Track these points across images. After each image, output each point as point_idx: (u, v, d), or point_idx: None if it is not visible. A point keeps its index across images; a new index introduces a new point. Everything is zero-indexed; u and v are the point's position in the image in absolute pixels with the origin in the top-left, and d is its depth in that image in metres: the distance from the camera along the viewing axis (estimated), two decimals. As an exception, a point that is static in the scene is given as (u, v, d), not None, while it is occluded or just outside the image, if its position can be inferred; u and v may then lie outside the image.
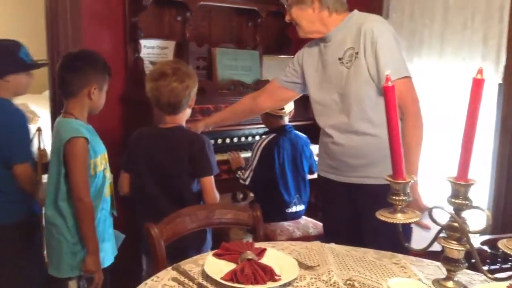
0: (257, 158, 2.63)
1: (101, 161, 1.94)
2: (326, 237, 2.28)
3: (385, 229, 1.91)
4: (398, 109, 1.86)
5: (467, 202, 0.91)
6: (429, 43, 2.85)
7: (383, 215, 0.99)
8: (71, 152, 1.84)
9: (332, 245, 1.64)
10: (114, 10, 2.86)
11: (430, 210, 0.94)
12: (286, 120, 2.76)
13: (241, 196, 3.13)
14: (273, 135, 2.68)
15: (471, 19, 2.63)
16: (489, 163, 2.65)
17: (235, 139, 3.04)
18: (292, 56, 3.43)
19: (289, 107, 2.68)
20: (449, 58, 2.76)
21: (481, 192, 2.59)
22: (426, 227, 1.90)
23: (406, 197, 0.99)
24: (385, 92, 0.97)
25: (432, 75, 2.83)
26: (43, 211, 1.98)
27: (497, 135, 2.63)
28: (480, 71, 0.87)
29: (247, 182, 2.65)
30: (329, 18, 1.96)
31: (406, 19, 2.94)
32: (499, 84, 2.61)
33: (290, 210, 2.74)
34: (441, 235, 0.97)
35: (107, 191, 1.99)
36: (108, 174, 2.00)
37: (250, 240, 2.77)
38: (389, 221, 0.99)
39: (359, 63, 1.88)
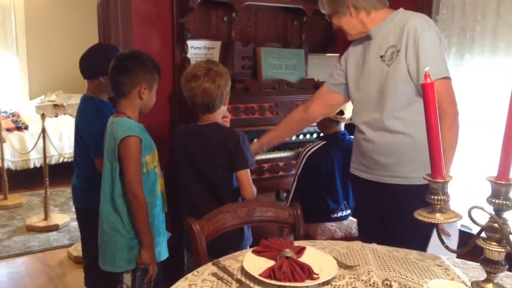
0: (301, 167, 2.58)
1: (152, 158, 2.01)
2: (359, 235, 2.26)
3: (414, 229, 1.91)
4: (435, 110, 1.86)
5: (508, 202, 0.88)
6: (481, 40, 2.74)
7: (421, 215, 0.98)
8: (125, 150, 1.91)
9: (374, 245, 1.62)
10: (162, 12, 2.95)
11: (469, 210, 0.92)
12: (342, 126, 2.66)
13: (284, 195, 3.14)
14: (322, 143, 2.60)
15: (527, 13, 2.51)
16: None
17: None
18: (338, 55, 3.45)
19: (349, 113, 2.52)
20: (502, 55, 2.65)
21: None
22: (446, 234, 1.86)
23: (445, 197, 0.96)
24: (424, 89, 0.96)
25: (484, 73, 2.72)
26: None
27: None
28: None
29: (289, 200, 2.61)
30: (368, 18, 1.96)
31: (456, 15, 2.84)
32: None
33: (335, 215, 2.70)
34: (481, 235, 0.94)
35: (159, 188, 2.06)
36: (159, 171, 2.07)
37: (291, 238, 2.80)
38: (427, 221, 0.97)
39: (399, 60, 1.86)
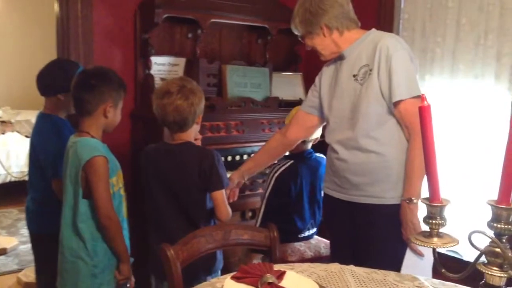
0: (270, 187, 2.53)
1: (117, 180, 1.92)
2: (331, 255, 2.25)
3: (386, 249, 1.93)
4: (406, 130, 1.89)
5: (509, 226, 0.87)
6: (441, 61, 2.83)
7: (418, 239, 0.96)
8: (93, 171, 1.81)
9: (352, 267, 1.61)
10: (125, 27, 2.87)
11: (469, 235, 0.91)
12: (309, 145, 2.63)
13: (250, 214, 3.09)
14: (290, 162, 2.56)
15: (484, 36, 2.61)
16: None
17: (245, 156, 3.00)
18: (301, 74, 3.48)
19: (317, 133, 2.51)
20: (461, 76, 2.75)
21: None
22: (420, 254, 1.88)
23: (443, 221, 0.95)
24: (421, 112, 0.94)
25: (444, 94, 2.81)
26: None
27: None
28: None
29: (259, 220, 2.55)
30: (341, 38, 1.97)
31: (417, 37, 2.93)
32: (513, 102, 2.58)
33: (303, 235, 2.68)
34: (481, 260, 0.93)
35: (124, 210, 1.96)
36: (124, 193, 1.97)
37: (260, 260, 2.74)
38: (425, 246, 0.95)
39: (372, 79, 1.87)
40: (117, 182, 1.93)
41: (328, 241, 2.71)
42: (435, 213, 0.95)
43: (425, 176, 0.97)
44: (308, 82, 3.38)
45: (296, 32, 2.05)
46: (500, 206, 0.87)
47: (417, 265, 1.90)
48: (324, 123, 2.18)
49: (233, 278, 1.40)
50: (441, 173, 0.99)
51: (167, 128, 2.02)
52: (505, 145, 2.70)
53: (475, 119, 2.74)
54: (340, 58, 2.01)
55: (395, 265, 1.85)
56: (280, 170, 2.54)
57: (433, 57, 2.86)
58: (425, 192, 1.77)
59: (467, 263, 2.66)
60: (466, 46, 2.70)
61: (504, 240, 0.89)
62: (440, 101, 2.79)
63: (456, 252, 2.66)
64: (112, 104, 1.91)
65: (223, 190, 1.95)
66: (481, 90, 2.66)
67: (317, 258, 2.59)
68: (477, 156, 2.74)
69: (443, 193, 0.97)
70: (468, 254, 2.62)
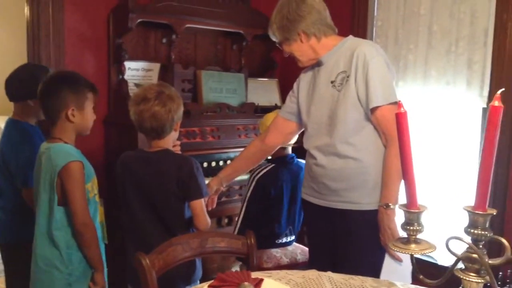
0: (251, 189, 2.52)
1: (92, 186, 1.87)
2: (310, 261, 2.25)
3: (365, 255, 1.93)
4: (383, 136, 1.91)
5: (486, 232, 0.88)
6: (413, 68, 2.87)
7: (396, 246, 0.96)
8: (69, 177, 1.77)
9: (329, 273, 1.60)
10: (98, 31, 2.82)
11: (447, 241, 0.91)
12: (289, 150, 2.64)
13: (226, 221, 3.06)
14: (271, 166, 2.56)
15: (455, 44, 2.67)
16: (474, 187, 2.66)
17: (221, 163, 2.98)
18: (277, 79, 3.48)
19: (295, 138, 2.51)
20: (433, 83, 2.80)
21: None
22: (398, 259, 1.90)
23: (420, 227, 0.95)
24: (398, 119, 0.95)
25: (417, 100, 2.85)
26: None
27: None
28: (497, 98, 0.85)
29: (237, 229, 2.53)
30: (319, 44, 1.97)
31: (390, 44, 2.97)
32: (483, 108, 2.64)
33: (279, 241, 2.66)
34: (458, 266, 0.94)
35: (100, 217, 1.92)
36: (99, 199, 1.93)
37: (238, 268, 2.72)
38: (403, 252, 0.95)
39: (349, 86, 1.88)
40: (92, 189, 1.88)
41: (304, 248, 2.71)
42: (412, 219, 0.95)
43: (402, 182, 0.97)
44: (284, 88, 3.40)
45: (273, 39, 2.04)
46: (476, 212, 0.88)
47: (396, 270, 1.91)
48: (303, 129, 2.18)
49: (210, 287, 1.38)
50: (416, 179, 0.99)
51: (144, 135, 1.97)
52: (477, 151, 2.75)
53: (447, 125, 2.79)
54: (317, 64, 2.01)
55: (374, 271, 1.86)
56: (261, 173, 2.54)
57: (406, 64, 2.91)
58: (402, 198, 1.80)
59: (442, 267, 2.73)
60: (438, 53, 2.75)
61: (481, 246, 0.90)
62: (413, 107, 2.83)
63: (431, 257, 2.69)
64: (74, 108, 1.84)
65: (202, 199, 1.92)
66: (453, 96, 2.71)
67: (293, 265, 2.58)
68: (449, 162, 2.79)
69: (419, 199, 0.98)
70: (443, 259, 2.65)
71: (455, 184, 2.75)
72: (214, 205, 2.30)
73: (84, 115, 1.89)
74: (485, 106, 2.62)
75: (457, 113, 2.76)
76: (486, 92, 2.60)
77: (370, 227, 1.90)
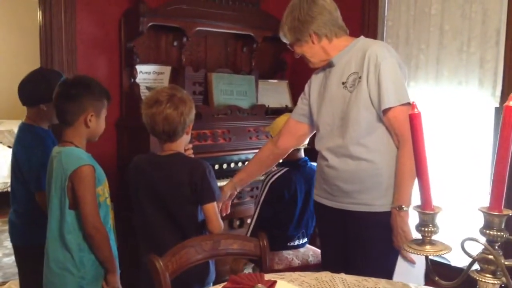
0: (264, 193, 2.51)
1: (104, 189, 1.89)
2: (322, 263, 2.24)
3: (377, 257, 1.92)
4: (395, 137, 1.89)
5: (502, 233, 0.87)
6: (425, 68, 2.86)
7: (411, 247, 0.95)
8: (80, 181, 1.78)
9: (342, 275, 1.59)
10: (109, 35, 2.84)
11: (462, 242, 0.90)
12: (302, 153, 2.62)
13: (237, 223, 3.07)
14: (284, 169, 2.54)
15: (467, 43, 2.65)
16: (487, 188, 2.65)
17: (232, 165, 2.99)
18: (287, 81, 3.48)
19: (306, 141, 2.49)
20: (445, 82, 2.78)
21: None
22: (411, 261, 1.88)
23: (435, 228, 0.95)
24: (412, 120, 0.94)
25: (429, 100, 2.83)
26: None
27: (494, 159, 2.62)
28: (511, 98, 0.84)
29: (250, 231, 2.52)
30: (330, 45, 1.96)
31: (401, 44, 2.96)
32: (496, 108, 2.62)
33: (292, 243, 2.66)
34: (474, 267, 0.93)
35: (112, 220, 1.93)
36: (110, 203, 1.94)
37: (251, 270, 2.72)
38: (417, 253, 0.94)
39: (361, 87, 1.87)
40: (104, 192, 1.90)
41: (316, 249, 2.70)
42: (427, 221, 0.95)
43: (416, 183, 0.96)
44: (294, 90, 3.39)
45: (284, 40, 2.04)
46: (492, 213, 0.87)
47: (409, 272, 1.89)
48: (315, 131, 2.17)
49: (223, 289, 1.39)
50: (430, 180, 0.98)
51: (156, 138, 1.98)
52: (490, 151, 2.72)
53: (460, 125, 2.77)
54: (329, 65, 2.00)
55: (386, 272, 1.84)
56: (274, 177, 2.53)
57: (417, 64, 2.89)
58: (415, 199, 1.79)
59: (455, 268, 2.70)
60: (449, 53, 2.73)
61: (496, 247, 0.89)
62: (425, 108, 2.82)
63: (445, 258, 2.67)
64: (93, 113, 1.88)
65: (215, 203, 1.91)
66: (465, 96, 2.69)
67: (305, 267, 2.57)
68: (462, 162, 2.77)
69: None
70: (456, 260, 2.63)
71: (468, 184, 2.73)
72: (228, 211, 2.30)
73: (99, 121, 1.94)
74: (497, 105, 2.60)
75: (470, 113, 2.74)
76: (498, 92, 2.57)
77: (383, 229, 1.89)
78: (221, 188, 2.21)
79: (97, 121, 1.91)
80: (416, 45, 2.89)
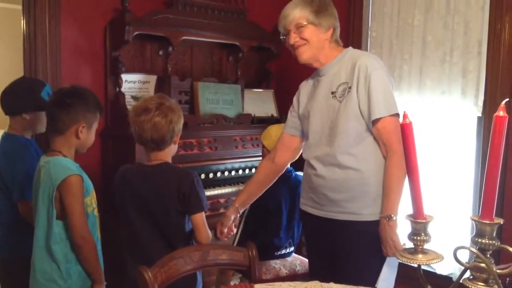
0: (248, 208, 2.47)
1: (91, 200, 1.87)
2: (310, 272, 2.24)
3: (365, 265, 1.93)
4: (383, 147, 1.91)
5: (493, 241, 0.89)
6: (408, 78, 2.90)
7: (403, 256, 0.96)
8: (68, 191, 1.77)
9: (331, 284, 1.60)
10: (94, 44, 2.82)
11: (454, 251, 0.91)
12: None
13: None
14: None
15: (450, 54, 2.70)
16: (470, 196, 2.68)
17: (219, 174, 2.98)
18: (272, 90, 3.49)
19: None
20: (428, 92, 2.82)
21: (464, 224, 2.62)
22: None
23: (427, 237, 0.96)
24: (403, 130, 0.96)
25: (413, 109, 2.87)
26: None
27: (478, 168, 2.67)
28: (502, 108, 0.86)
29: (235, 242, 2.50)
30: (329, 51, 1.99)
31: (385, 54, 2.99)
32: (478, 117, 2.67)
33: (279, 252, 2.65)
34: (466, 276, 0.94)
35: (98, 231, 1.91)
36: (97, 213, 1.92)
37: (238, 280, 2.70)
38: (410, 262, 0.95)
39: (351, 97, 1.89)
40: (91, 203, 1.88)
41: (304, 259, 2.70)
42: (419, 230, 0.96)
43: (408, 193, 0.97)
44: (279, 99, 3.41)
45: (293, 14, 1.94)
46: (483, 221, 0.88)
47: (387, 277, 1.92)
48: None
49: (213, 300, 1.38)
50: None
51: (143, 147, 1.96)
52: (473, 160, 2.75)
53: (443, 134, 2.81)
54: (318, 74, 2.02)
55: (373, 281, 1.85)
56: None
57: (400, 74, 2.93)
58: (403, 209, 1.81)
59: (441, 277, 2.72)
60: (432, 63, 2.78)
61: (488, 255, 0.90)
62: (409, 117, 2.84)
63: (430, 266, 2.69)
64: (85, 125, 1.87)
65: (203, 213, 1.90)
66: (448, 105, 2.74)
67: (293, 276, 2.57)
68: (445, 170, 2.81)
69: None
70: (441, 268, 2.66)
71: (451, 192, 2.77)
72: (232, 233, 2.28)
73: (90, 134, 1.93)
74: (480, 115, 2.65)
75: (453, 122, 2.79)
76: (481, 101, 2.62)
77: (370, 238, 1.90)
78: (224, 213, 2.23)
79: (88, 133, 1.91)
80: (399, 55, 2.93)
